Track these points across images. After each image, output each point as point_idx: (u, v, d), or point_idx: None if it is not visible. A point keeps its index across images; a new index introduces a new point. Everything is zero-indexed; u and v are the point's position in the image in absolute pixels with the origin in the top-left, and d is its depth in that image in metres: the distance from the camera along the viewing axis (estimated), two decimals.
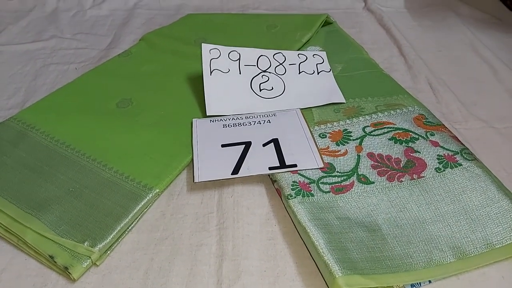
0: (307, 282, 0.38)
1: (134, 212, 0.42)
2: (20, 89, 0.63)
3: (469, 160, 0.45)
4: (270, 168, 0.46)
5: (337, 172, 0.46)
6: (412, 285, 0.37)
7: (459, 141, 0.48)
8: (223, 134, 0.51)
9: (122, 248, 0.41)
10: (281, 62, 0.60)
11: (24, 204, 0.43)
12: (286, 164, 0.47)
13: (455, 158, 0.46)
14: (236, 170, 0.46)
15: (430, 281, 0.37)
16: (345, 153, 0.48)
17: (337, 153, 0.48)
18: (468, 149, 0.47)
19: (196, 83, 0.59)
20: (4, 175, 0.46)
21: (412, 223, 0.41)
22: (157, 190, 0.44)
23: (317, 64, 0.61)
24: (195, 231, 0.42)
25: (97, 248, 0.39)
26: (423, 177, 0.44)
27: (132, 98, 0.58)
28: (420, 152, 0.47)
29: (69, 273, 0.37)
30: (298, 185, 0.44)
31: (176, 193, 0.46)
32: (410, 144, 0.48)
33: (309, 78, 0.59)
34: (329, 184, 0.45)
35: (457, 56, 0.70)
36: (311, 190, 0.44)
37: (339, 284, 0.35)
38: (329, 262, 0.36)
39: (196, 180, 0.45)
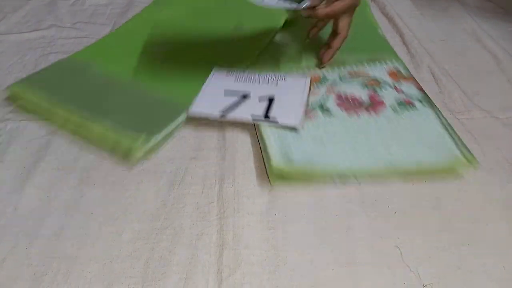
0: (308, 271, 0.38)
1: (179, 117, 0.52)
2: (19, 79, 0.63)
3: (426, 106, 0.51)
4: (253, 117, 0.50)
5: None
6: None
7: (424, 92, 0.54)
8: (231, 83, 0.57)
9: (122, 237, 0.41)
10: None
11: (89, 110, 0.52)
12: (269, 117, 0.51)
13: (413, 103, 0.52)
14: (224, 114, 0.51)
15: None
16: (318, 93, 0.56)
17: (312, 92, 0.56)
18: (430, 98, 0.53)
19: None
20: (69, 91, 0.56)
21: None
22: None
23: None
24: (196, 221, 0.42)
25: (153, 138, 0.48)
26: (380, 114, 0.51)
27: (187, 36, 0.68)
28: (383, 96, 0.54)
29: (130, 156, 0.47)
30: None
31: (177, 182, 0.46)
32: (376, 89, 0.55)
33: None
34: None
35: (460, 45, 0.69)
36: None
37: (275, 170, 0.44)
38: (272, 153, 0.45)
39: (188, 113, 0.52)
